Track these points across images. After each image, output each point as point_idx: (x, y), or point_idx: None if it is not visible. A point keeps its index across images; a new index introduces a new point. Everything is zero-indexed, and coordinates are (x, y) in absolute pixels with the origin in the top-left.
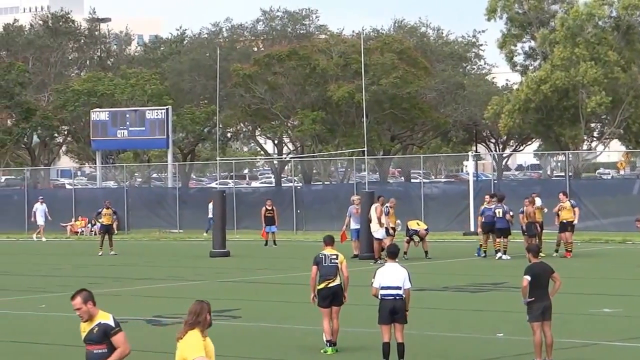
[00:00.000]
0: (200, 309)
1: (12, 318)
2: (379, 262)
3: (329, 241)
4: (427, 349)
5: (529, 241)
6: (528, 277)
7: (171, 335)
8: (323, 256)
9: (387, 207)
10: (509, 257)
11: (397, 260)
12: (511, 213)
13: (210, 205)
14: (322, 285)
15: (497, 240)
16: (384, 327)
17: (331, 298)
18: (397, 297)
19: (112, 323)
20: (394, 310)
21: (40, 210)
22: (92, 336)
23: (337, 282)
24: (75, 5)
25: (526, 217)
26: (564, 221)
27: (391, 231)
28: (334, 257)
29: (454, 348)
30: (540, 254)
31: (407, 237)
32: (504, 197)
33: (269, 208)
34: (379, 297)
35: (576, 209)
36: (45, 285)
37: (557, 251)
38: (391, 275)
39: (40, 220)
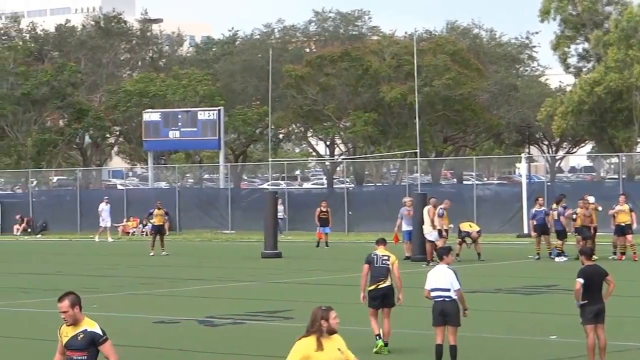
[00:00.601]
0: (314, 316)
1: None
2: (431, 264)
3: (381, 242)
4: (480, 351)
5: (583, 243)
6: (581, 280)
7: (223, 336)
8: (375, 256)
9: (441, 209)
10: (565, 259)
11: (447, 262)
12: (570, 211)
13: (278, 207)
14: (372, 287)
15: (556, 241)
16: (437, 329)
17: (381, 299)
18: (447, 299)
19: (99, 332)
20: (443, 312)
21: (105, 210)
22: (76, 342)
23: (387, 283)
24: (127, 6)
25: (579, 220)
26: (622, 224)
27: (444, 233)
28: (386, 258)
29: (506, 350)
30: (594, 256)
31: (460, 239)
32: (562, 199)
33: (324, 209)
34: (431, 299)
35: (633, 214)
36: (97, 286)
37: (614, 253)
38: (439, 277)
39: (106, 221)
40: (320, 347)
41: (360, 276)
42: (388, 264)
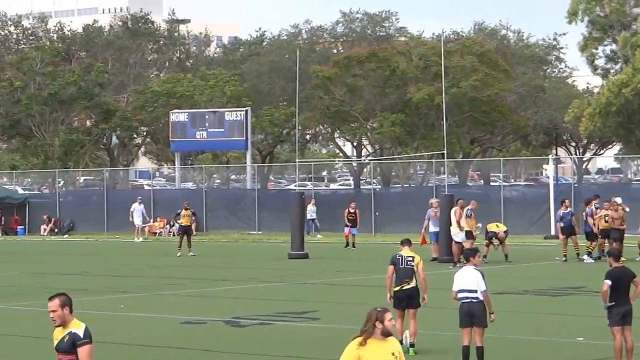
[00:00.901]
0: (368, 317)
1: (91, 318)
2: (458, 265)
3: (406, 243)
4: (507, 352)
5: (611, 245)
6: (608, 282)
7: (250, 337)
8: (400, 257)
9: (469, 209)
10: (592, 260)
11: (474, 263)
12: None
13: (309, 207)
14: (397, 288)
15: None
16: (464, 331)
17: (406, 300)
18: (473, 300)
19: (81, 333)
20: (470, 313)
21: (137, 210)
22: (63, 345)
23: (412, 284)
24: (155, 6)
25: (607, 221)
26: None
27: (474, 233)
28: (410, 259)
29: (533, 352)
30: (622, 258)
31: (487, 240)
32: (592, 201)
33: (352, 210)
34: (458, 300)
35: None
36: (124, 286)
37: None
38: (466, 279)
39: (138, 221)
40: (363, 344)
41: (386, 277)
42: (413, 265)
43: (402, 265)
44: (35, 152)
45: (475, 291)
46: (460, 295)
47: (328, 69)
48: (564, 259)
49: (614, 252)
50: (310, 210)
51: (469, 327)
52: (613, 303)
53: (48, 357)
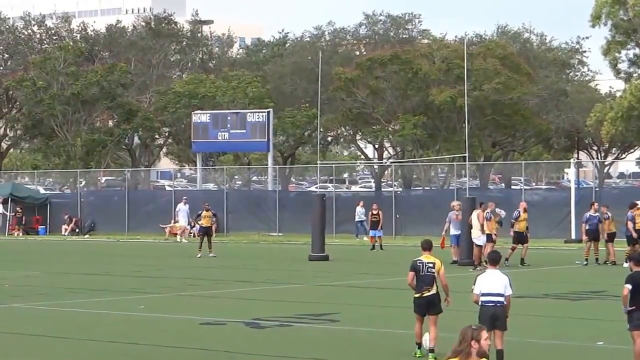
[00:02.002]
0: (463, 336)
1: (112, 318)
2: (478, 268)
3: (427, 246)
4: (527, 356)
5: (631, 249)
6: (629, 286)
7: (269, 338)
8: (421, 264)
9: (488, 212)
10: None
11: (498, 267)
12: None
13: (358, 209)
14: (417, 295)
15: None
16: None
17: (426, 307)
18: (498, 304)
19: None
20: (494, 316)
21: (183, 210)
22: None
23: (433, 291)
24: (178, 7)
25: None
26: None
27: (493, 237)
28: (431, 265)
29: (553, 356)
30: None
31: (513, 244)
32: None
33: (375, 212)
34: (480, 303)
35: None
36: (145, 286)
37: None
38: (492, 282)
39: (183, 221)
40: None
41: (407, 284)
42: (434, 272)
43: (422, 272)
44: (57, 152)
45: (502, 295)
46: (483, 298)
47: (350, 71)
48: (585, 262)
49: (634, 257)
50: (359, 212)
51: (490, 331)
52: (634, 307)
53: (71, 357)
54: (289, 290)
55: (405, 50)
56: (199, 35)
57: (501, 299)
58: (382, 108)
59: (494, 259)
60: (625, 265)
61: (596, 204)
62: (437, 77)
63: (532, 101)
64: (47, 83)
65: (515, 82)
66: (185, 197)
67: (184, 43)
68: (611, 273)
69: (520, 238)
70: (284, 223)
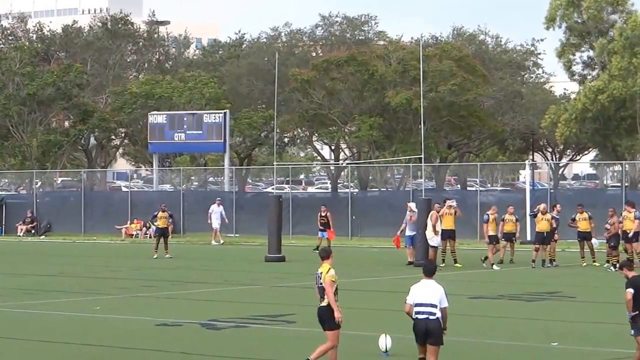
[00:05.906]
0: None
1: (67, 319)
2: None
3: (324, 256)
4: (482, 357)
5: (610, 253)
6: (631, 290)
7: (226, 339)
8: (316, 275)
9: (487, 214)
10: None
11: (433, 277)
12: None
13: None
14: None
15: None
16: (420, 347)
17: (320, 320)
18: (431, 317)
19: None
20: (427, 331)
21: (216, 212)
22: None
23: (324, 303)
24: (134, 7)
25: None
26: (627, 232)
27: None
28: (319, 276)
29: (508, 357)
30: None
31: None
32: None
33: (323, 214)
34: (412, 315)
35: (637, 221)
36: (100, 287)
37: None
38: (426, 293)
39: (216, 223)
40: None
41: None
42: (322, 283)
43: (316, 283)
44: (12, 152)
45: (436, 307)
46: (417, 309)
47: (307, 72)
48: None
49: (624, 264)
50: None
51: (424, 345)
52: (637, 312)
53: (26, 359)
54: (245, 291)
55: (362, 51)
56: (156, 35)
57: (434, 310)
58: (339, 109)
59: (430, 270)
60: (606, 266)
61: (558, 205)
62: (393, 79)
63: (487, 103)
64: (2, 83)
65: (471, 83)
66: (218, 199)
67: (141, 44)
68: (565, 274)
69: (542, 238)
70: (241, 224)
